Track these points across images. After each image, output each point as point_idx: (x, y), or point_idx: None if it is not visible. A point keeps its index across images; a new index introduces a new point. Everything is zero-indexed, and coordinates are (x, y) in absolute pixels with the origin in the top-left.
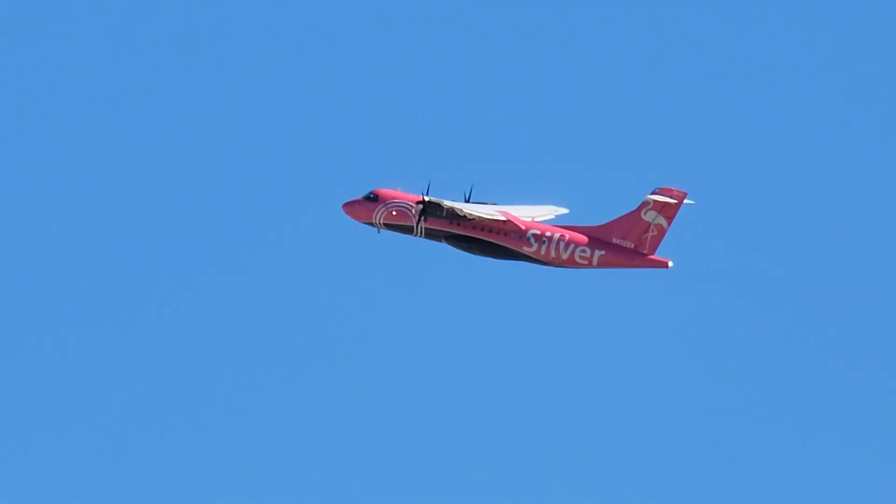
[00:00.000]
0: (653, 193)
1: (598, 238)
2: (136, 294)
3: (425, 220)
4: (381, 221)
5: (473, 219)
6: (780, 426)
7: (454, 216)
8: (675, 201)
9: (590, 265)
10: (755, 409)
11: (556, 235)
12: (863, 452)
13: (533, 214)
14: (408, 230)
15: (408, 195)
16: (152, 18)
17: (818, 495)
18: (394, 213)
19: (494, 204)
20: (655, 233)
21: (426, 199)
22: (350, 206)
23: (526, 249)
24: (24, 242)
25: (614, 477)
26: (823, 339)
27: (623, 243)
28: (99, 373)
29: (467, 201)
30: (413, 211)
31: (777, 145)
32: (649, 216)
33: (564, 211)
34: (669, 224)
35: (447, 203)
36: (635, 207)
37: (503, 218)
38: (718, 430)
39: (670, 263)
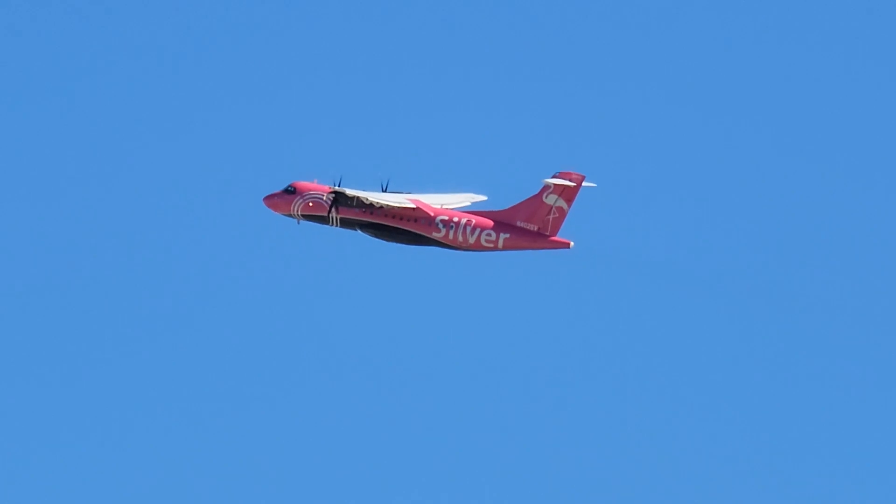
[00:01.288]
0: (553, 177)
1: (504, 222)
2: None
3: (337, 209)
4: (300, 213)
5: (383, 207)
6: (675, 404)
7: (364, 205)
8: (574, 184)
9: (496, 248)
10: (649, 386)
11: (464, 220)
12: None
13: (451, 202)
14: (325, 220)
15: (323, 187)
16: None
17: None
18: (310, 204)
19: (409, 193)
20: (557, 215)
21: (335, 188)
22: (270, 199)
23: (435, 235)
24: None
25: (514, 456)
26: (719, 318)
27: (527, 226)
28: None
29: (384, 191)
30: (325, 200)
31: (679, 130)
32: (550, 199)
33: (482, 198)
34: (570, 206)
35: (353, 192)
36: (537, 191)
37: (412, 205)
38: (616, 405)
39: (572, 244)
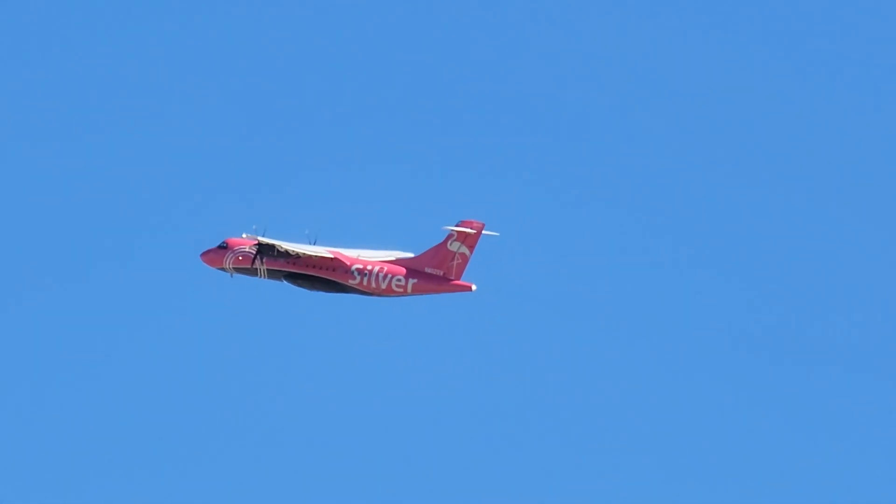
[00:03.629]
0: (456, 226)
1: (413, 268)
2: None
3: (262, 260)
4: (231, 266)
5: (303, 257)
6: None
7: (287, 255)
8: (474, 231)
9: (405, 293)
10: (547, 414)
11: (377, 269)
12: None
13: (379, 256)
14: (254, 272)
15: (251, 241)
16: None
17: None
18: (240, 257)
19: (337, 248)
20: (460, 260)
21: (259, 240)
22: (206, 255)
23: (351, 282)
24: None
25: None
26: (618, 346)
27: (434, 272)
28: None
29: (314, 245)
30: (252, 253)
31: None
32: (454, 246)
33: (409, 255)
34: (472, 252)
35: (274, 242)
36: (442, 240)
37: (331, 256)
38: (515, 432)
39: (474, 287)
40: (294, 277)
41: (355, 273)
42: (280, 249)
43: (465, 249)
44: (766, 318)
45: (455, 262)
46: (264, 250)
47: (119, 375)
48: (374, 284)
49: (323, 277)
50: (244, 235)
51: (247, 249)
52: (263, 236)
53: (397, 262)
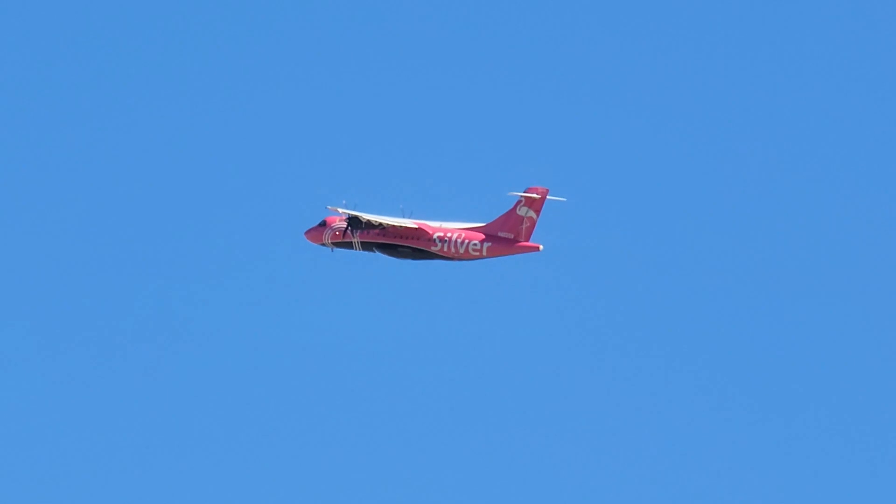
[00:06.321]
0: (524, 192)
1: (488, 233)
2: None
3: (353, 233)
4: (330, 241)
5: (389, 228)
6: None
7: (374, 226)
8: (539, 196)
9: (481, 255)
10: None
11: (455, 235)
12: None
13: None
14: (350, 245)
15: (342, 217)
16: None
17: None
18: (337, 233)
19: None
20: (528, 224)
21: (344, 212)
22: (308, 233)
23: (433, 248)
24: None
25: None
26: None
27: (506, 235)
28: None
29: (407, 217)
30: (343, 227)
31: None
32: (522, 211)
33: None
34: (538, 215)
35: (360, 215)
36: (511, 206)
37: (415, 225)
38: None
39: (541, 247)
40: (384, 247)
41: (437, 240)
42: (363, 220)
43: (532, 213)
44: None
45: (524, 226)
46: (353, 223)
47: (261, 345)
48: (453, 250)
49: (409, 246)
50: (329, 208)
51: (342, 225)
52: (351, 210)
53: (472, 228)
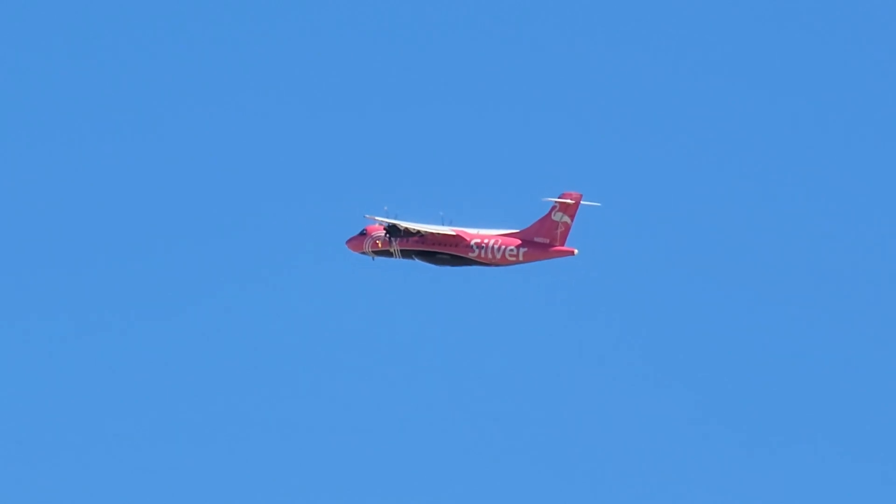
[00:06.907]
0: (558, 198)
1: (524, 238)
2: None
3: (392, 240)
4: (371, 250)
5: (428, 236)
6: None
7: (413, 234)
8: (573, 202)
9: (517, 261)
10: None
11: (492, 241)
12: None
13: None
14: (390, 254)
15: (381, 226)
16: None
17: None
18: (377, 242)
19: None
20: (563, 229)
21: (381, 221)
22: (349, 242)
23: (471, 255)
24: None
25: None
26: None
27: (541, 240)
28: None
29: (447, 225)
30: (384, 236)
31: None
32: (557, 216)
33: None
34: (573, 220)
35: (397, 223)
36: (546, 212)
37: (453, 233)
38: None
39: (576, 251)
40: (423, 255)
41: (474, 247)
42: (401, 228)
43: (566, 218)
44: None
45: (559, 231)
46: (392, 232)
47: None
48: (490, 256)
49: (448, 253)
50: (367, 216)
51: (382, 234)
52: (391, 218)
53: (509, 234)
